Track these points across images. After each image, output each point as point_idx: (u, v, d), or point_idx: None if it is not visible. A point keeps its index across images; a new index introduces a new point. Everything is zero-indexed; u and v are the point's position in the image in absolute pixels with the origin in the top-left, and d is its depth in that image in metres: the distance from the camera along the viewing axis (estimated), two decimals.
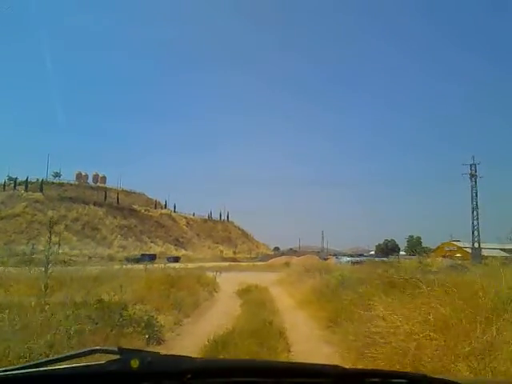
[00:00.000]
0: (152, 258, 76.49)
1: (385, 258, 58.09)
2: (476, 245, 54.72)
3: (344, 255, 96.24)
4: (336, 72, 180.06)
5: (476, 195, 52.27)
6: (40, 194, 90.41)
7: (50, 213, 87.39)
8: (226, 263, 58.72)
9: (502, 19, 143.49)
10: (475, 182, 52.12)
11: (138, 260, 73.06)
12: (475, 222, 52.83)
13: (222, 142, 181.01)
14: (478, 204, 53.15)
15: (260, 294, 16.70)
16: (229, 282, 24.57)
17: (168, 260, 78.78)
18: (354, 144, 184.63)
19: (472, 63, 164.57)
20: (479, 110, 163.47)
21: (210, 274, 26.70)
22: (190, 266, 54.68)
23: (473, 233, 53.60)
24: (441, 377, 1.82)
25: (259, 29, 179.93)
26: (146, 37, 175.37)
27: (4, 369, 1.52)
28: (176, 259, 78.85)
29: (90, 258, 78.00)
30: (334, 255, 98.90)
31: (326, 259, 67.79)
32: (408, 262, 41.09)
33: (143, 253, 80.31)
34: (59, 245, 52.45)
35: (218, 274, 23.56)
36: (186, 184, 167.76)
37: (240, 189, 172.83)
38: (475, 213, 52.13)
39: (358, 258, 48.37)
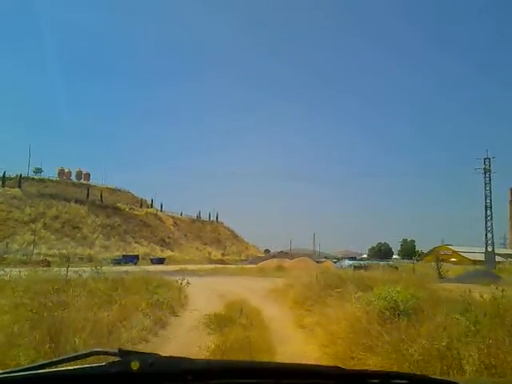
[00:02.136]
0: (134, 259, 68.94)
1: (391, 262, 50.87)
2: (489, 248, 46.65)
3: (335, 258, 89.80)
4: (324, 76, 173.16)
5: (490, 192, 44.62)
6: (18, 189, 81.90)
7: (27, 210, 79.33)
8: (212, 266, 50.85)
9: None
10: (489, 177, 44.46)
11: (118, 261, 65.64)
12: (488, 223, 44.86)
13: (212, 142, 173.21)
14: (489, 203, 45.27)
15: (249, 327, 8.66)
16: (204, 293, 16.95)
17: (152, 261, 71.40)
18: (345, 147, 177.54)
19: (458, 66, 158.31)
20: (473, 113, 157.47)
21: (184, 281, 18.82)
22: (168, 268, 46.96)
23: (486, 235, 45.77)
24: (441, 378, 1.80)
25: (247, 32, 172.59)
26: (143, 37, 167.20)
27: (5, 371, 1.48)
28: (160, 260, 71.81)
29: (67, 258, 70.17)
30: (325, 257, 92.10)
31: (320, 262, 60.24)
32: (425, 268, 32.84)
33: (125, 254, 72.64)
34: (34, 244, 43.47)
35: (186, 282, 15.44)
36: (174, 183, 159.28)
37: (230, 189, 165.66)
38: (488, 212, 44.33)
39: (361, 262, 40.61)
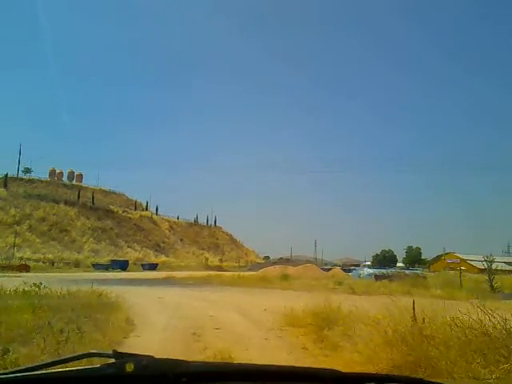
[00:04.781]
0: (123, 264, 61.30)
1: (418, 271, 43.24)
2: None
3: (336, 266, 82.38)
4: (325, 78, 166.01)
5: None
6: (3, 189, 74.20)
7: (12, 211, 71.59)
8: (206, 273, 42.91)
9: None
10: None
11: (106, 267, 58.09)
12: None
13: (211, 146, 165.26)
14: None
15: None
16: (167, 328, 8.92)
17: (143, 267, 63.81)
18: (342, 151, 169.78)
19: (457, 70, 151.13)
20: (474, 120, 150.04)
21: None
22: (156, 275, 39.19)
23: None
24: (438, 381, 1.75)
25: (247, 35, 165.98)
26: (141, 39, 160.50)
27: (0, 372, 1.44)
28: (152, 266, 64.27)
29: (52, 263, 62.61)
30: (326, 265, 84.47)
31: (327, 270, 52.37)
32: (468, 279, 24.38)
33: (113, 259, 64.76)
34: (14, 247, 34.57)
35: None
36: (171, 186, 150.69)
37: (228, 194, 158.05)
38: None
39: (383, 271, 32.72)
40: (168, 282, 29.88)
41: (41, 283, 10.18)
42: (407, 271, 34.94)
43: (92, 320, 8.16)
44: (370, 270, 33.29)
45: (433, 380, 1.70)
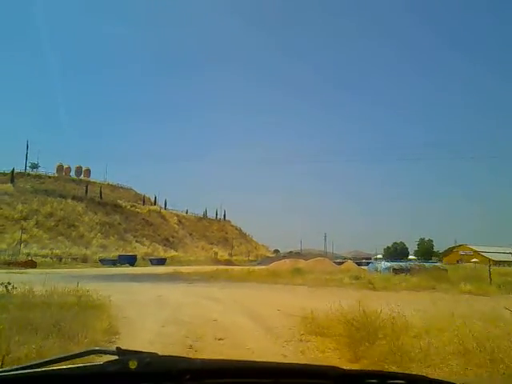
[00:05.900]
0: (131, 259, 59.83)
1: (438, 264, 41.06)
2: None
3: (345, 258, 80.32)
4: (334, 75, 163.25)
5: None
6: (10, 185, 72.90)
7: (19, 207, 70.42)
8: (214, 267, 41.15)
9: None
10: None
11: (114, 262, 56.78)
12: None
13: (220, 140, 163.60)
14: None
15: None
16: (156, 341, 6.96)
17: (151, 262, 62.36)
18: (350, 143, 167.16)
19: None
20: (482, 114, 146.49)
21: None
22: (166, 270, 37.56)
23: None
24: (440, 378, 1.75)
25: (258, 29, 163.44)
26: (144, 36, 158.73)
27: (3, 369, 1.45)
28: (161, 261, 62.68)
29: (60, 258, 61.35)
30: (336, 259, 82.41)
31: (340, 264, 50.36)
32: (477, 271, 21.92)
33: (121, 254, 63.28)
34: (20, 243, 32.51)
35: None
36: (179, 181, 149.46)
37: (237, 188, 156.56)
38: None
39: (401, 264, 30.65)
40: (174, 277, 28.18)
41: (9, 283, 8.37)
42: (426, 264, 32.82)
43: (62, 329, 6.36)
44: (388, 263, 31.20)
45: (434, 377, 1.63)
